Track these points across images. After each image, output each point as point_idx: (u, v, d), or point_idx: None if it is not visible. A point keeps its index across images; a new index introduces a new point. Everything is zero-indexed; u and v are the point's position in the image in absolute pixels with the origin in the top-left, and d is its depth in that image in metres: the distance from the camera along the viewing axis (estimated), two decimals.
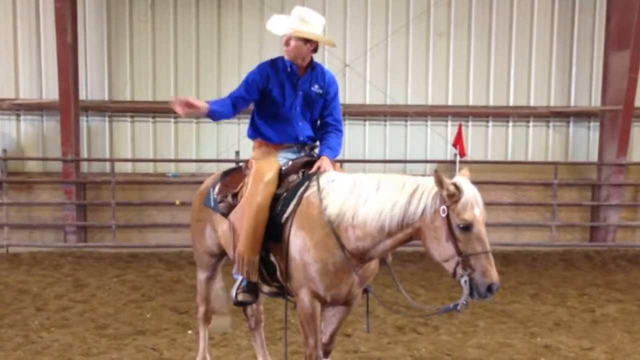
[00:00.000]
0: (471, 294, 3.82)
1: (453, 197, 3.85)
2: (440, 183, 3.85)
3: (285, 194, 4.53)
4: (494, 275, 3.79)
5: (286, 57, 4.79)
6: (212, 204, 4.97)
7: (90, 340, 6.66)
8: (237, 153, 11.50)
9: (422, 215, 3.97)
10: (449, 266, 3.91)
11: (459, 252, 3.83)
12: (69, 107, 11.36)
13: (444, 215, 3.87)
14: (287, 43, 4.71)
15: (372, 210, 4.09)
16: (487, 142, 12.84)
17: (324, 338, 4.76)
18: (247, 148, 5.29)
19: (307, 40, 4.69)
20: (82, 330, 7.01)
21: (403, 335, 6.98)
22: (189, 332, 6.96)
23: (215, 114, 4.69)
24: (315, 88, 4.86)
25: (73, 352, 6.30)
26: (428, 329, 7.15)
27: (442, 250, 3.91)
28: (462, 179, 3.98)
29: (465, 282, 3.81)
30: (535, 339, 6.89)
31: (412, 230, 4.04)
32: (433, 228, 3.93)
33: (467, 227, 3.82)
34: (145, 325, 7.22)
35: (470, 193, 3.88)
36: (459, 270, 3.84)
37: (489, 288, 3.79)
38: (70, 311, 7.74)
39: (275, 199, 4.53)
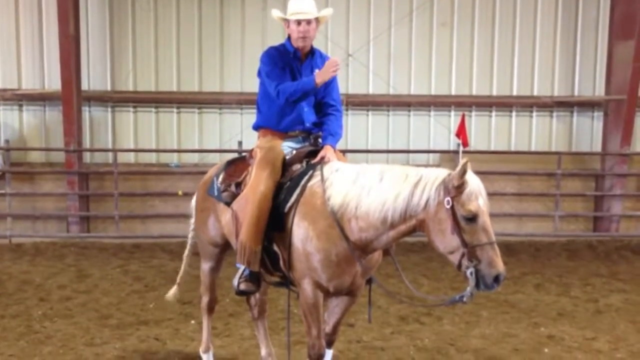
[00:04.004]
0: (477, 285, 3.80)
1: (458, 188, 3.82)
2: (463, 174, 3.81)
3: (288, 183, 4.52)
4: (500, 265, 3.78)
5: (299, 44, 4.75)
6: (216, 193, 4.96)
7: (93, 330, 6.67)
8: (240, 143, 11.48)
9: (426, 206, 3.94)
10: (454, 258, 3.88)
11: (465, 244, 3.80)
12: (72, 98, 11.34)
13: (448, 206, 3.84)
14: (298, 28, 4.68)
15: (375, 201, 4.07)
16: (490, 132, 12.80)
17: (327, 328, 4.75)
18: (250, 138, 5.28)
19: (309, 22, 4.70)
20: (85, 320, 7.01)
21: (406, 325, 6.98)
22: (192, 322, 6.97)
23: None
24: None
25: (76, 342, 6.30)
26: (431, 319, 7.15)
27: (447, 242, 3.88)
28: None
29: (472, 273, 3.78)
30: (538, 329, 6.88)
31: (416, 222, 4.01)
32: (437, 220, 3.90)
33: (473, 218, 3.79)
34: (148, 316, 7.23)
35: (475, 184, 3.87)
36: (465, 262, 3.82)
37: (496, 279, 3.77)
38: (73, 301, 7.75)
39: (279, 188, 4.53)
